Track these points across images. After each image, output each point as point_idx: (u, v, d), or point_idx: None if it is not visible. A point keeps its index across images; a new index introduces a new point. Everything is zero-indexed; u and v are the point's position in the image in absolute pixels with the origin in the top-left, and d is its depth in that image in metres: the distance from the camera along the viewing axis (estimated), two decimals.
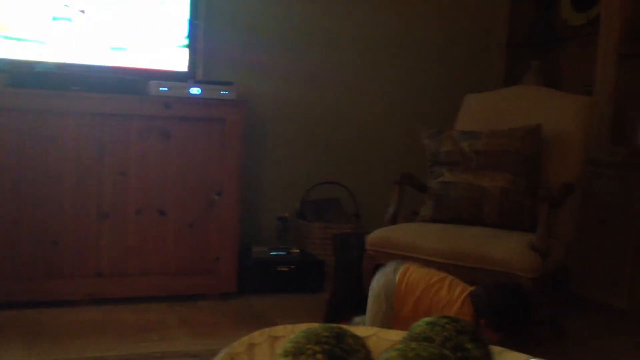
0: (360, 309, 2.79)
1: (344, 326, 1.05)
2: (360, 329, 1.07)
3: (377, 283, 2.21)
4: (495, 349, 1.01)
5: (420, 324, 1.00)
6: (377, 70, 3.99)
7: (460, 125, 3.12)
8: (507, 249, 2.42)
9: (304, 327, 1.01)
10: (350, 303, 2.96)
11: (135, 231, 3.01)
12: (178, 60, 3.21)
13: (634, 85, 3.37)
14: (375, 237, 2.72)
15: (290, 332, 1.03)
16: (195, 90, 3.08)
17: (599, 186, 3.22)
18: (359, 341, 0.96)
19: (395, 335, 1.07)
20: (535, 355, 2.49)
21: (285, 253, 3.46)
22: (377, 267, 2.73)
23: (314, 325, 1.01)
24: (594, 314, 3.21)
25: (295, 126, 3.82)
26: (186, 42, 3.21)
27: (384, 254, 2.69)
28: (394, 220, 2.85)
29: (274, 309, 3.10)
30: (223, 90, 3.12)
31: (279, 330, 1.07)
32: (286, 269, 3.36)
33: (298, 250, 3.51)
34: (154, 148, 3.02)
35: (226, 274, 3.18)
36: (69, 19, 3.02)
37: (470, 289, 2.04)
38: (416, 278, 2.10)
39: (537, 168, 2.80)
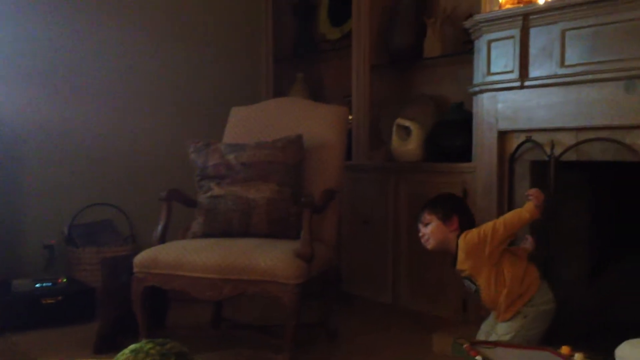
0: (134, 336, 2.67)
1: None
2: None
3: None
4: None
5: (125, 352, 0.96)
6: (147, 85, 3.87)
7: (227, 138, 3.14)
8: (272, 258, 2.46)
9: None
10: (123, 330, 2.82)
11: None
12: None
13: (385, 93, 3.64)
14: (142, 258, 2.61)
15: None
16: None
17: (361, 189, 3.42)
18: None
19: None
20: (306, 357, 2.56)
21: (51, 284, 3.21)
22: (147, 290, 2.63)
23: None
24: (363, 311, 3.40)
25: (54, 146, 3.55)
26: None
27: (153, 275, 2.60)
28: (163, 239, 2.76)
29: (40, 345, 2.86)
30: None
31: None
32: (52, 301, 3.12)
33: (65, 280, 3.27)
34: None
35: None
36: None
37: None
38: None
39: (301, 177, 2.90)
